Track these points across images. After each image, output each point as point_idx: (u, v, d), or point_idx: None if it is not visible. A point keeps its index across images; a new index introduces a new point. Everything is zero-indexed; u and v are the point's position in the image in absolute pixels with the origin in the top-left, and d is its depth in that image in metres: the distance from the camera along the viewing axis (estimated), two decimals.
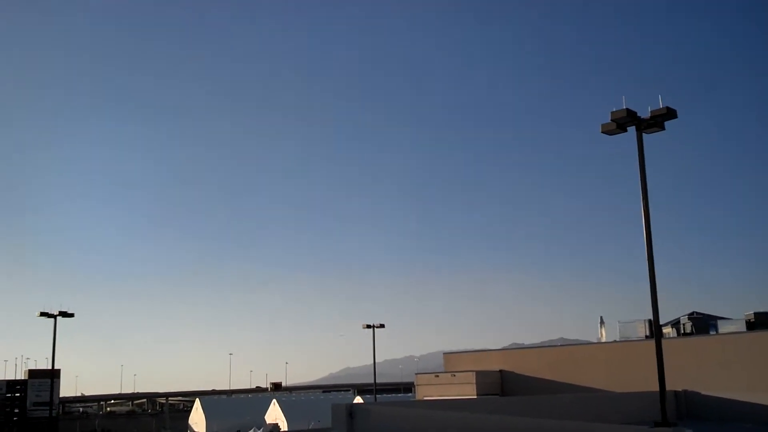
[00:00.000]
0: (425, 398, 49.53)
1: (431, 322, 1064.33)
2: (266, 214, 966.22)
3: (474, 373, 50.84)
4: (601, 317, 58.33)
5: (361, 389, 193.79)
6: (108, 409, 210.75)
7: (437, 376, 54.89)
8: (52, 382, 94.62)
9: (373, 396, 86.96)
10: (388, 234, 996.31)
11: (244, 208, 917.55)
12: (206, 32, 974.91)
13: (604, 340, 56.01)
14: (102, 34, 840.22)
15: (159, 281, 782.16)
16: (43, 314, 56.46)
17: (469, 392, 49.02)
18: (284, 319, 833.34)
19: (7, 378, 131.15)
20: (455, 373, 52.35)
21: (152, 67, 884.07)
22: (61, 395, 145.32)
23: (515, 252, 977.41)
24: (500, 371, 52.39)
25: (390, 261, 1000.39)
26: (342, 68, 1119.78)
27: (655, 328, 26.74)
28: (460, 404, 31.52)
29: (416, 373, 59.84)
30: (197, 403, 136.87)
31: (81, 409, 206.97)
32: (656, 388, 25.91)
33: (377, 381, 79.68)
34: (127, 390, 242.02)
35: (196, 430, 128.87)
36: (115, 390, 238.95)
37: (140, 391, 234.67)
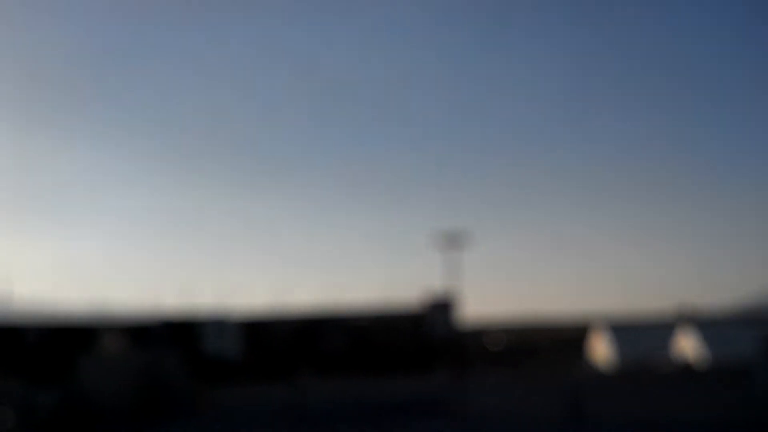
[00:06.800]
0: None
1: None
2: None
3: None
4: None
5: None
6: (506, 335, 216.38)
7: None
8: (453, 310, 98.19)
9: None
10: None
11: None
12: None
13: None
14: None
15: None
16: (437, 241, 54.54)
17: None
18: (695, 232, 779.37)
19: (410, 307, 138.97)
20: None
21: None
22: (463, 322, 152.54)
23: None
24: None
25: None
26: None
27: None
28: None
29: None
30: (600, 329, 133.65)
31: (482, 334, 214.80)
32: None
33: None
34: (525, 313, 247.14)
35: (599, 356, 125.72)
36: (513, 314, 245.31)
37: (537, 315, 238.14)
